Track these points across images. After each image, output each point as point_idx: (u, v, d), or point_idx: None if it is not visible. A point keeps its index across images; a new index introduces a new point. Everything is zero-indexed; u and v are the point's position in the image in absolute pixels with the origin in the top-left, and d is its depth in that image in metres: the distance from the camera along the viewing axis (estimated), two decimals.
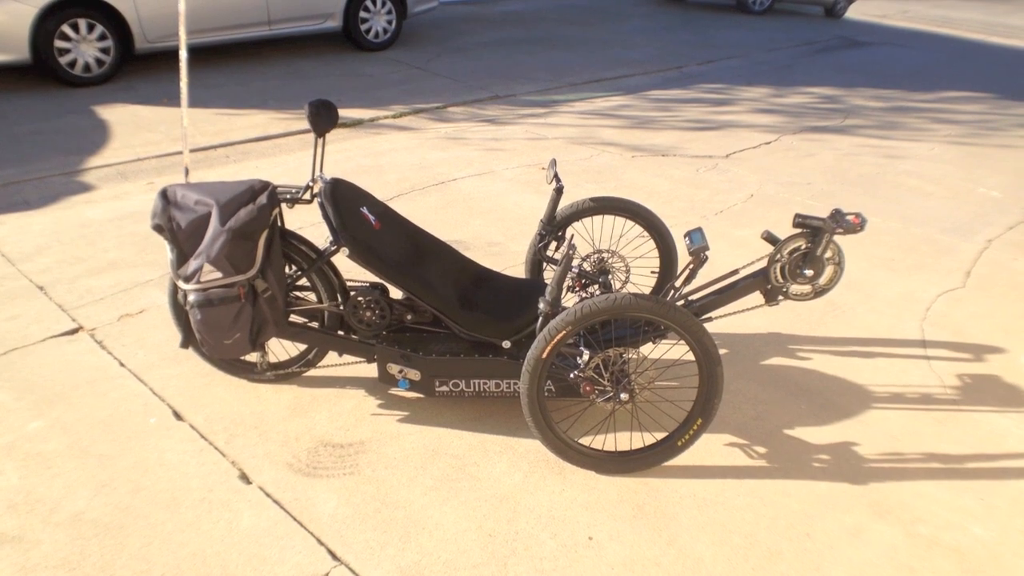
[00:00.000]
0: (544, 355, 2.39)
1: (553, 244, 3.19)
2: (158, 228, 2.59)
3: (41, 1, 6.68)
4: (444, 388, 2.74)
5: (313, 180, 2.72)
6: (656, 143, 6.34)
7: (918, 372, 3.15)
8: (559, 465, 2.58)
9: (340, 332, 2.91)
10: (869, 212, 4.87)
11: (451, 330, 2.74)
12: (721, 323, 3.41)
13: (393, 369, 2.77)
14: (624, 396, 2.44)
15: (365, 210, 2.78)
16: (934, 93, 8.29)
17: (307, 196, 2.70)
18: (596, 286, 3.09)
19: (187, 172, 2.86)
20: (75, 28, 6.94)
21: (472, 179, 5.48)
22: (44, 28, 6.77)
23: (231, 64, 8.36)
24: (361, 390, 3.00)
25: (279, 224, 2.77)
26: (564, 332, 2.36)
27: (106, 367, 3.18)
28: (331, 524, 2.36)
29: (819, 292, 2.63)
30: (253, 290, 2.63)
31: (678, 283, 2.87)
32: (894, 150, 6.23)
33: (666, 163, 5.84)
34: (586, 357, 2.46)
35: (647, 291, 3.41)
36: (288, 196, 2.71)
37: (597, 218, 4.30)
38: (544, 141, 6.37)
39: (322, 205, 2.64)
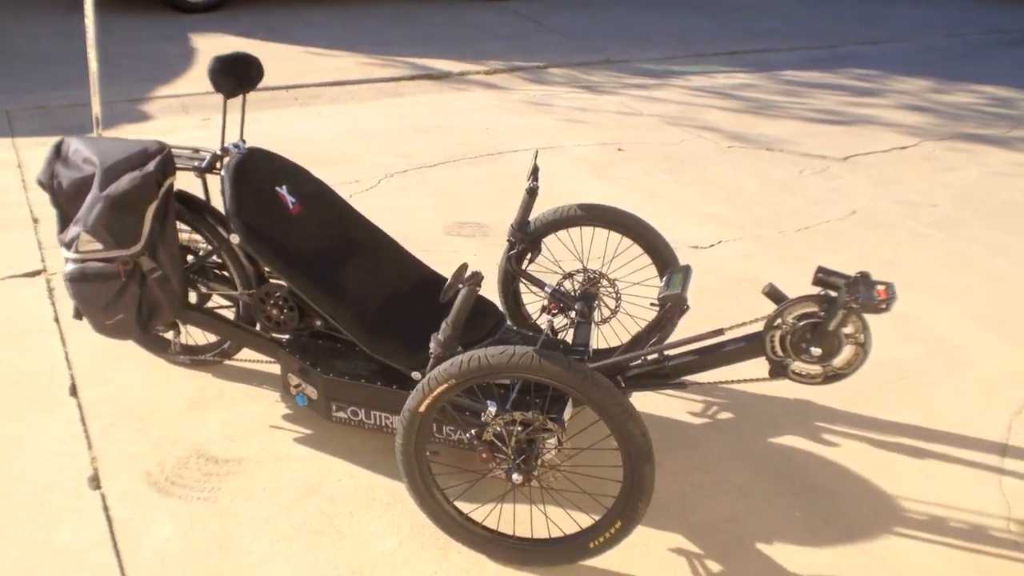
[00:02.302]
0: (421, 408, 1.87)
1: (529, 256, 2.62)
2: (40, 184, 2.26)
3: None
4: (342, 414, 2.27)
5: (223, 149, 2.29)
6: (765, 133, 5.47)
7: (981, 490, 2.34)
8: (446, 537, 2.06)
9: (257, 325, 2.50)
10: (997, 251, 3.88)
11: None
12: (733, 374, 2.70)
13: (292, 381, 2.33)
14: (517, 477, 1.88)
15: (284, 190, 2.33)
16: None
17: (218, 165, 2.28)
18: (573, 312, 2.51)
19: (97, 123, 2.50)
20: None
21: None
22: None
23: (340, 2, 8.10)
24: (277, 392, 2.58)
25: (196, 194, 2.39)
26: (446, 386, 1.82)
27: (42, 318, 2.95)
28: (147, 562, 1.97)
29: (831, 377, 1.93)
30: (138, 268, 2.25)
31: (649, 334, 2.24)
32: None
33: (766, 159, 5.00)
34: (491, 413, 1.91)
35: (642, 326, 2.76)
36: (194, 165, 2.30)
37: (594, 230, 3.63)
38: (636, 118, 5.66)
39: (222, 180, 2.22)
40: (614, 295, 2.59)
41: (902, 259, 3.71)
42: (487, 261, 3.47)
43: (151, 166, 2.17)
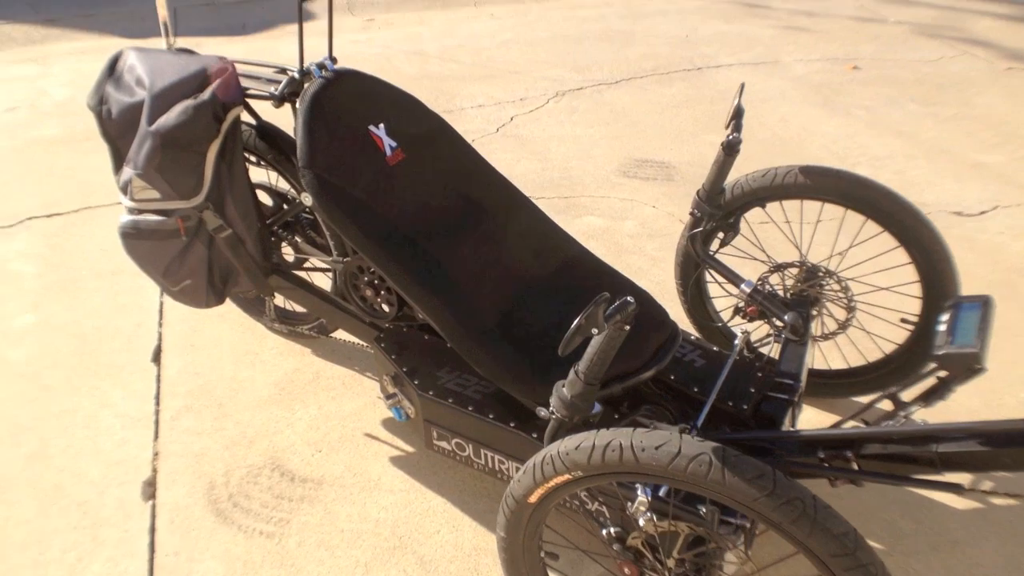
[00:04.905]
0: (531, 499, 1.22)
1: (722, 238, 1.85)
2: (91, 108, 1.78)
3: None
4: (444, 444, 1.69)
5: (302, 70, 1.69)
6: None
7: None
8: None
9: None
10: None
11: None
12: None
13: (387, 387, 1.76)
14: None
15: (381, 131, 1.69)
16: None
17: (288, 92, 1.68)
18: (780, 323, 1.74)
19: (166, 30, 1.96)
20: None
21: (743, 69, 3.95)
22: None
23: None
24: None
25: (259, 131, 1.84)
26: (567, 477, 1.16)
27: None
28: None
29: None
30: (201, 224, 1.74)
31: (907, 397, 1.43)
32: None
33: None
34: (640, 507, 1.23)
35: (888, 351, 1.91)
36: (268, 92, 1.71)
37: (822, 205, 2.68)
38: (878, 25, 4.47)
39: (295, 115, 1.62)
40: (845, 303, 1.78)
41: None
42: (668, 219, 2.70)
43: (207, 94, 1.61)
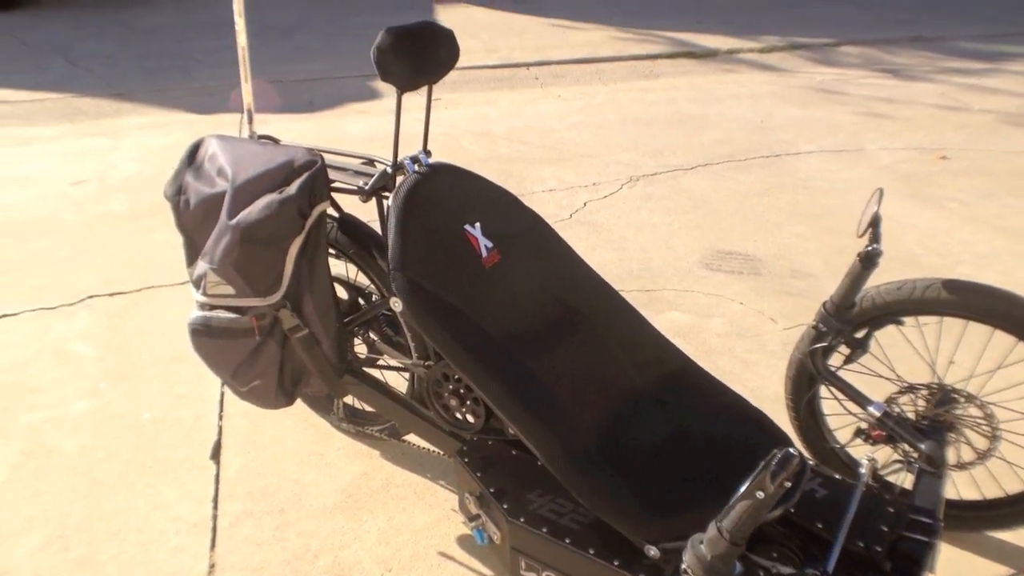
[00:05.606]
0: None
1: (843, 348, 1.67)
2: (167, 198, 1.69)
3: None
4: None
5: (394, 165, 1.58)
6: None
7: None
8: None
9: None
10: None
11: None
12: None
13: (470, 507, 1.59)
14: None
15: (476, 230, 1.57)
16: None
17: (380, 186, 1.58)
18: (912, 450, 1.54)
19: (249, 116, 1.89)
20: None
21: (824, 157, 3.80)
22: None
23: None
24: (456, 496, 1.88)
25: (338, 226, 1.74)
26: None
27: None
28: None
29: None
30: (276, 323, 1.62)
31: None
32: None
33: None
34: None
35: None
36: (356, 186, 1.60)
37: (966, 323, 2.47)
38: (962, 114, 4.31)
39: (387, 213, 1.51)
40: (988, 431, 1.57)
41: None
42: (757, 317, 2.52)
43: (294, 188, 1.51)
